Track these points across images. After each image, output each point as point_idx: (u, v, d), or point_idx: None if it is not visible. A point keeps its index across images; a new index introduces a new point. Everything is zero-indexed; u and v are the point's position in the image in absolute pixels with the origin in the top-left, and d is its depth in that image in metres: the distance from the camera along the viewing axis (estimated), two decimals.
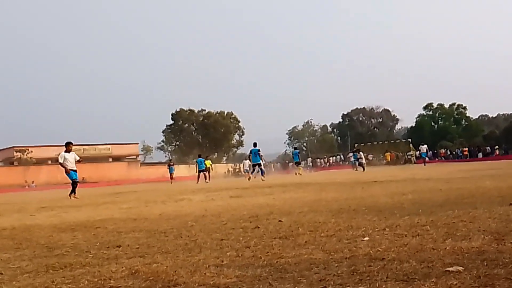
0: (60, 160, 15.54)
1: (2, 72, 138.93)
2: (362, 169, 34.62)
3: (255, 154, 25.62)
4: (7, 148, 67.15)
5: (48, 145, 70.25)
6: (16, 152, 64.39)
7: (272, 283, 2.81)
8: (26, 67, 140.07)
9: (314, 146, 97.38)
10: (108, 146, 72.24)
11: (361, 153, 38.84)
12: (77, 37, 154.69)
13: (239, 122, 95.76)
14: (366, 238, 4.05)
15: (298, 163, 34.19)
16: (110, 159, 71.01)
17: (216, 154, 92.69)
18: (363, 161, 37.96)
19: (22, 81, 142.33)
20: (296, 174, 31.26)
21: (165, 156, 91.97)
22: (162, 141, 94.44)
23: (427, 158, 46.09)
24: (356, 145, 43.14)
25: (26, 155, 63.53)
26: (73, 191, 15.75)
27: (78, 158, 16.30)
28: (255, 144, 26.05)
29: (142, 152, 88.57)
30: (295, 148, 37.01)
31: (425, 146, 46.01)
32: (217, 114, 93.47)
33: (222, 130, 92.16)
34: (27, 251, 4.70)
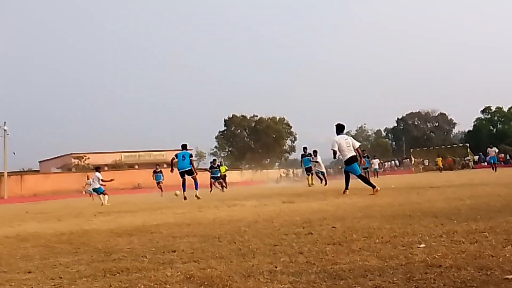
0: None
1: (63, 82, 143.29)
2: (321, 181, 24.77)
3: (183, 157, 17.59)
4: (65, 155, 69.16)
5: (104, 152, 72.11)
6: (74, 158, 66.27)
7: None
8: (87, 77, 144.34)
9: (368, 151, 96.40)
10: (163, 152, 73.34)
11: (318, 157, 25.65)
12: (134, 49, 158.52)
13: (291, 127, 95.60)
14: (422, 245, 3.97)
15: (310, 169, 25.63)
16: (165, 165, 72.08)
17: (268, 159, 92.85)
18: (322, 169, 25.29)
19: (80, 90, 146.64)
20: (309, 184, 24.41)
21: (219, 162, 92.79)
22: (215, 146, 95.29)
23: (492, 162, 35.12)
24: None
25: (84, 161, 65.28)
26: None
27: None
28: (184, 146, 18.21)
29: (196, 158, 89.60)
30: (306, 150, 26.58)
31: (495, 149, 36.32)
32: (269, 120, 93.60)
33: (274, 136, 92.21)
34: (85, 255, 4.82)
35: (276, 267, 3.49)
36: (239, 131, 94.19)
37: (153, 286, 3.19)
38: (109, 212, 11.76)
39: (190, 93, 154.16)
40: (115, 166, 68.31)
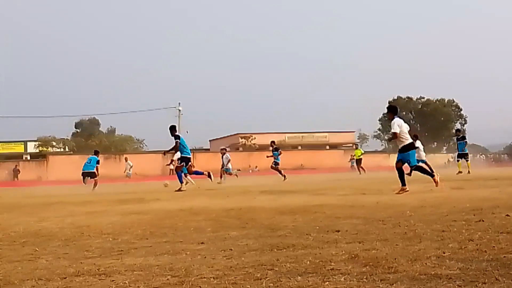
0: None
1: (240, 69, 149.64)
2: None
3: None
4: (233, 135, 72.12)
5: (269, 132, 74.18)
6: (241, 138, 68.88)
7: (498, 278, 2.65)
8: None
9: None
10: (325, 134, 73.69)
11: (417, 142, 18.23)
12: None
13: (460, 110, 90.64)
14: None
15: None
16: (327, 147, 72.27)
17: (435, 143, 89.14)
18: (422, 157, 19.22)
19: (248, 77, 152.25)
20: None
21: (382, 145, 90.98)
22: (379, 129, 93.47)
23: None
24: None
25: (250, 141, 67.54)
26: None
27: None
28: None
29: (358, 140, 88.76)
30: (459, 133, 24.14)
31: None
32: (437, 102, 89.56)
33: (442, 119, 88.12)
34: (252, 230, 5.06)
35: (444, 253, 3.39)
36: (404, 113, 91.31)
37: (319, 263, 3.25)
38: (272, 191, 12.14)
39: (357, 75, 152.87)
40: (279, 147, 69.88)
